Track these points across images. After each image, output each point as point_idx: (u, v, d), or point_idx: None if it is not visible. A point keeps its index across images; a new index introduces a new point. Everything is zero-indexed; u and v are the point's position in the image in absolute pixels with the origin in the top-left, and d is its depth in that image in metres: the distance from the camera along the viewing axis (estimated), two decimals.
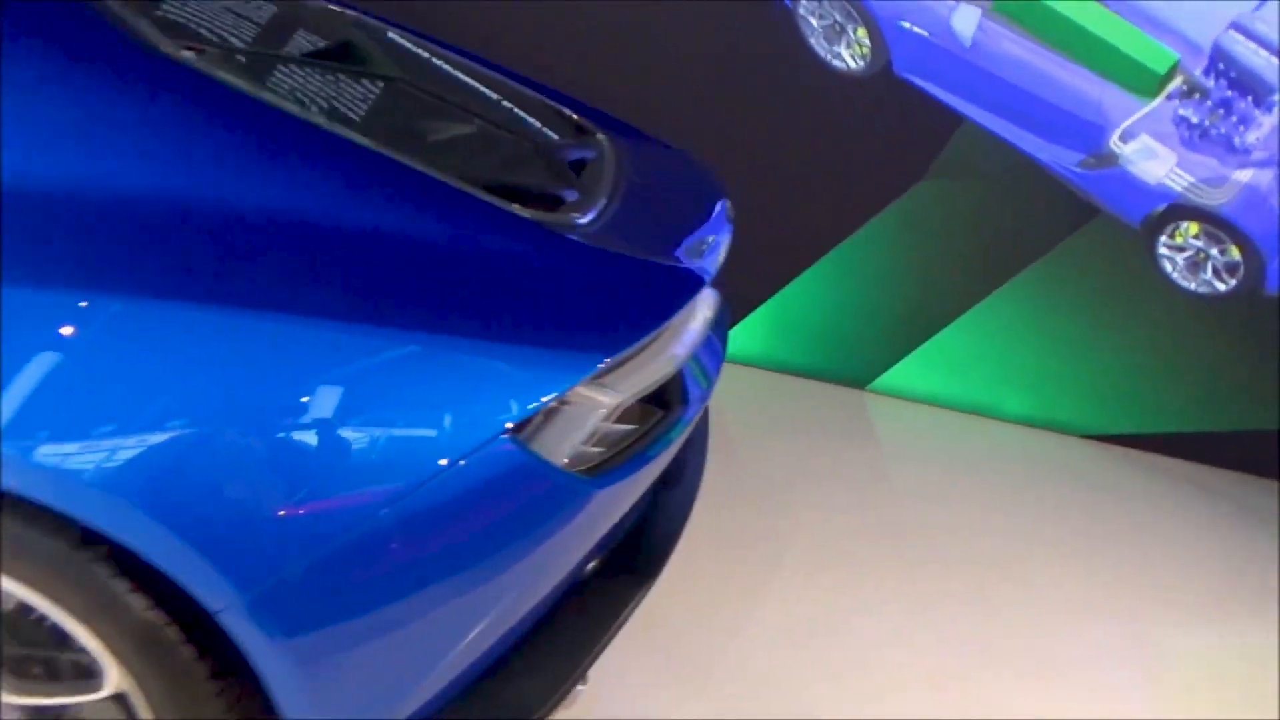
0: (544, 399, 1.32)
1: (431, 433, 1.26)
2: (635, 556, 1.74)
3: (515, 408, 1.30)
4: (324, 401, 1.21)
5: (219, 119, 1.40)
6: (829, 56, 3.38)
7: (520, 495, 1.32)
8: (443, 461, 1.26)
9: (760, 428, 3.49)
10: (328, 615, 1.24)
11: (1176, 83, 3.34)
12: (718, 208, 1.99)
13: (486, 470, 1.28)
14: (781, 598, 2.60)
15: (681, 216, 1.94)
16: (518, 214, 1.52)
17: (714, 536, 2.76)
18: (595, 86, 3.14)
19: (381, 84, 1.79)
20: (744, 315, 3.67)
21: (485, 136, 1.88)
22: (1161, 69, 3.33)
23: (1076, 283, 3.63)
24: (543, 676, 1.53)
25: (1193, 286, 3.56)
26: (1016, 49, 3.34)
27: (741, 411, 3.63)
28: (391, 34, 2.11)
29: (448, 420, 1.27)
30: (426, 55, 2.10)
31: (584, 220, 1.65)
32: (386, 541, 1.24)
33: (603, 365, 1.38)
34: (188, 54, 1.47)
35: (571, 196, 1.72)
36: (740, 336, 3.71)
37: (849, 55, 3.38)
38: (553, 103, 2.16)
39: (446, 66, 2.10)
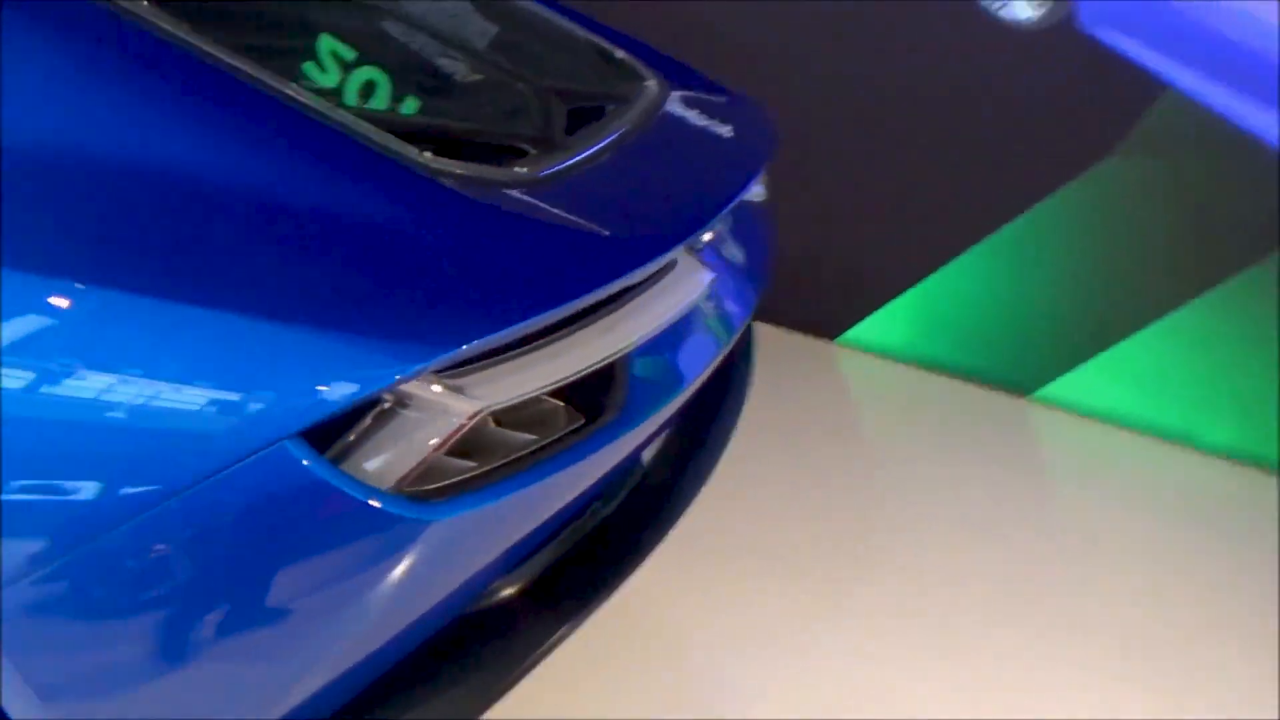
0: (352, 399, 1.04)
1: (194, 429, 1.01)
2: (565, 587, 1.44)
3: (310, 407, 1.03)
4: (45, 376, 0.98)
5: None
6: (996, 4, 2.87)
7: (309, 517, 1.05)
8: (206, 467, 1.01)
9: (895, 433, 3.09)
10: (49, 660, 1.02)
11: None
12: (747, 176, 1.64)
13: (264, 482, 1.02)
14: (863, 632, 2.24)
15: (692, 181, 1.62)
16: (411, 165, 1.24)
17: (812, 553, 2.44)
18: (724, 32, 2.83)
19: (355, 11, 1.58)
20: (883, 302, 3.27)
21: (476, 81, 1.66)
22: None
23: None
24: None
25: None
26: None
27: (876, 411, 3.23)
28: None
29: (217, 416, 1.01)
30: None
31: (540, 174, 1.38)
32: (123, 564, 1.01)
33: (449, 357, 1.08)
34: None
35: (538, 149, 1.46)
36: (879, 325, 3.30)
37: (1023, 1, 2.86)
38: (607, 43, 1.90)
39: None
